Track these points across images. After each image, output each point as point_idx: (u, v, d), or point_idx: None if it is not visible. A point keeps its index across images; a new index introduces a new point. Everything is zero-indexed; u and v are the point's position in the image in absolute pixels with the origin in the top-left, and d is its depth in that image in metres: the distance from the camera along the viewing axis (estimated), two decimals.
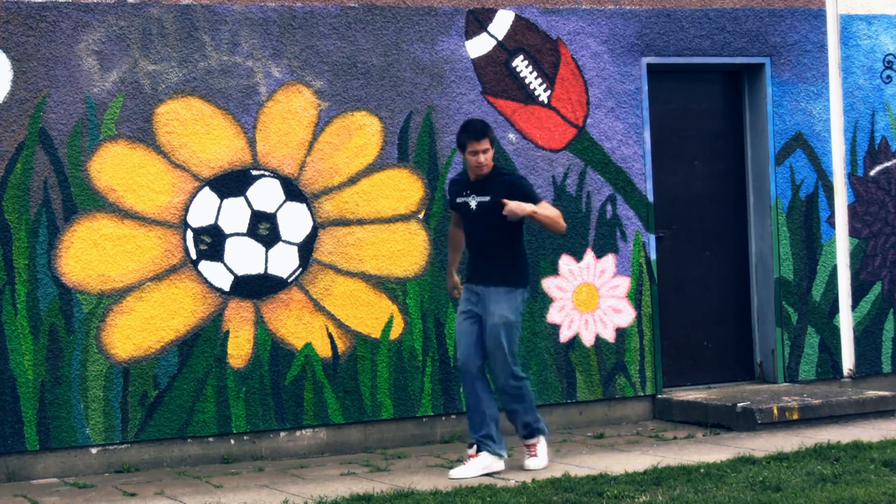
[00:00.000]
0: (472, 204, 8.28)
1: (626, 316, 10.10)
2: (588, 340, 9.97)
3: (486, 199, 8.23)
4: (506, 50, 9.77)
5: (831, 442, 8.61)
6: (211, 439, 9.02)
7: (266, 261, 9.13)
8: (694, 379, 10.61)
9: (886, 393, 10.13)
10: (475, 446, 8.30)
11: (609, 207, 10.05)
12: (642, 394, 10.16)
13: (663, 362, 10.38)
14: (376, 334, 9.38)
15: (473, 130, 8.19)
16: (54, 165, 8.64)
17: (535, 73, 9.84)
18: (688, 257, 10.59)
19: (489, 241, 8.29)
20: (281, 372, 9.14)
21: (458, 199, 8.37)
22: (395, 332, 9.43)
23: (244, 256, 9.07)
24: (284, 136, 9.17)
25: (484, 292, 8.28)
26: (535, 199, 8.21)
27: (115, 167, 8.79)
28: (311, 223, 9.23)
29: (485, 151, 8.17)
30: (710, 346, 10.71)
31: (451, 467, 8.45)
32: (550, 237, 9.78)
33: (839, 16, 10.77)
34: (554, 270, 9.86)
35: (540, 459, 8.36)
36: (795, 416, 9.58)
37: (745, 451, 8.55)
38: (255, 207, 9.11)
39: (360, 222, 9.37)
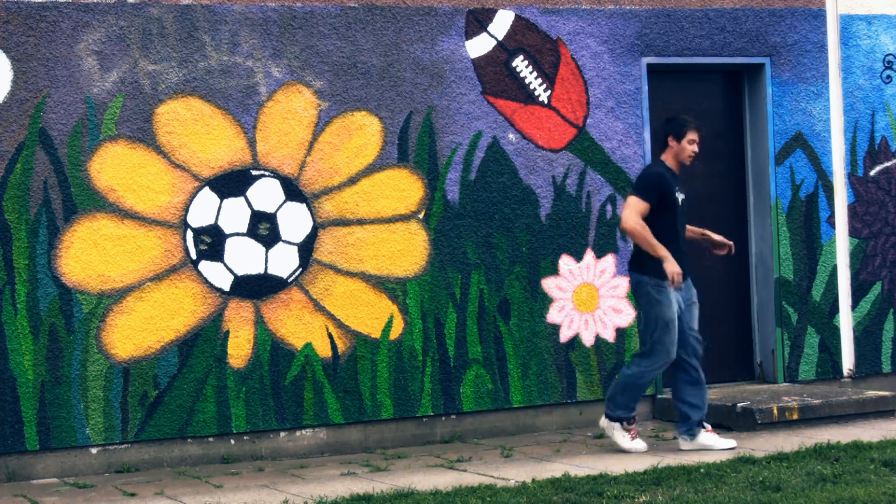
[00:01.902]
0: (680, 199, 8.77)
1: (626, 316, 10.10)
2: (588, 340, 9.97)
3: (684, 195, 8.82)
4: (506, 50, 9.77)
5: (831, 442, 8.61)
6: (211, 439, 9.02)
7: (266, 261, 9.13)
8: None
9: (886, 393, 10.12)
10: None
11: (609, 207, 10.05)
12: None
13: None
14: (376, 334, 9.38)
15: (696, 121, 8.77)
16: (54, 165, 8.64)
17: (535, 73, 9.84)
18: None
19: (683, 237, 8.84)
20: (281, 372, 9.14)
21: (677, 194, 8.69)
22: (395, 332, 9.43)
23: (244, 256, 9.07)
24: (284, 136, 9.17)
25: (688, 282, 8.87)
26: None
27: (115, 167, 8.79)
28: (311, 223, 9.23)
29: (699, 144, 8.81)
30: (710, 346, 10.70)
31: (451, 467, 8.45)
32: (550, 237, 9.79)
33: (839, 16, 10.77)
34: (554, 270, 9.86)
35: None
36: (795, 416, 9.58)
37: (745, 451, 8.55)
38: (255, 207, 9.11)
39: (360, 222, 9.37)
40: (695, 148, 8.79)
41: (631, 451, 8.74)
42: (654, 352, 8.67)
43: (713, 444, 8.69)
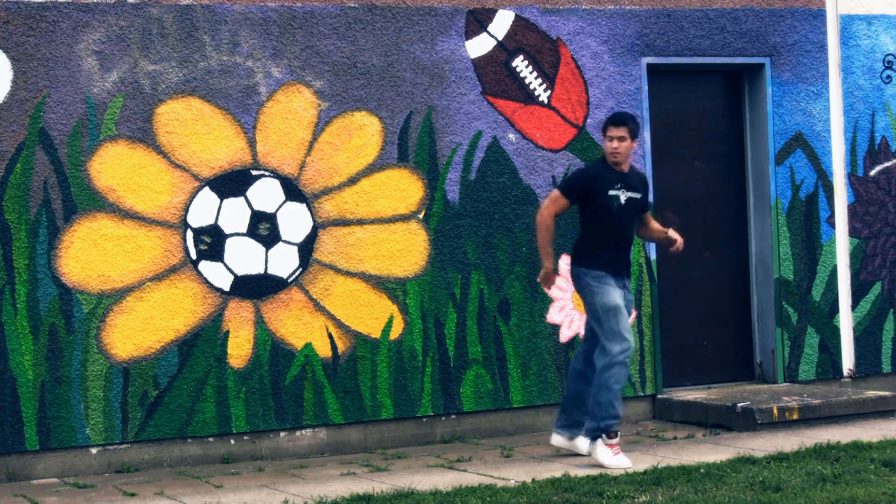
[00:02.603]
0: (623, 198, 8.47)
1: None
2: None
3: (638, 195, 8.54)
4: (506, 50, 9.77)
5: (831, 442, 8.61)
6: (211, 439, 9.02)
7: (266, 261, 9.13)
8: (694, 379, 10.61)
9: (886, 393, 10.12)
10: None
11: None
12: (642, 394, 10.16)
13: (663, 362, 10.38)
14: (376, 334, 9.38)
15: (614, 116, 8.52)
16: (54, 165, 8.64)
17: (535, 73, 9.84)
18: (688, 257, 10.57)
19: (630, 237, 8.60)
20: (281, 372, 9.14)
21: (611, 192, 8.41)
22: (395, 332, 9.43)
23: (244, 256, 9.07)
24: (284, 136, 9.17)
25: (627, 285, 8.59)
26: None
27: (115, 167, 8.79)
28: (311, 223, 9.23)
29: (620, 139, 8.40)
30: (710, 346, 10.70)
31: (451, 467, 8.45)
32: None
33: (839, 16, 10.77)
34: (554, 270, 9.84)
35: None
36: (795, 416, 9.58)
37: (745, 451, 8.55)
38: (255, 207, 9.11)
39: (360, 222, 9.37)
40: (614, 145, 8.39)
41: (613, 466, 8.23)
42: (608, 340, 8.35)
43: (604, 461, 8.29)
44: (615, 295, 8.39)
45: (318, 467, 8.70)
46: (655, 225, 8.91)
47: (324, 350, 9.24)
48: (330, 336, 9.26)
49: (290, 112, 9.18)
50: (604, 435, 8.33)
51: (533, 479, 7.81)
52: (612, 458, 8.26)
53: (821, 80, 10.73)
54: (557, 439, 8.74)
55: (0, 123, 8.56)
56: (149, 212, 8.85)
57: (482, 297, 9.65)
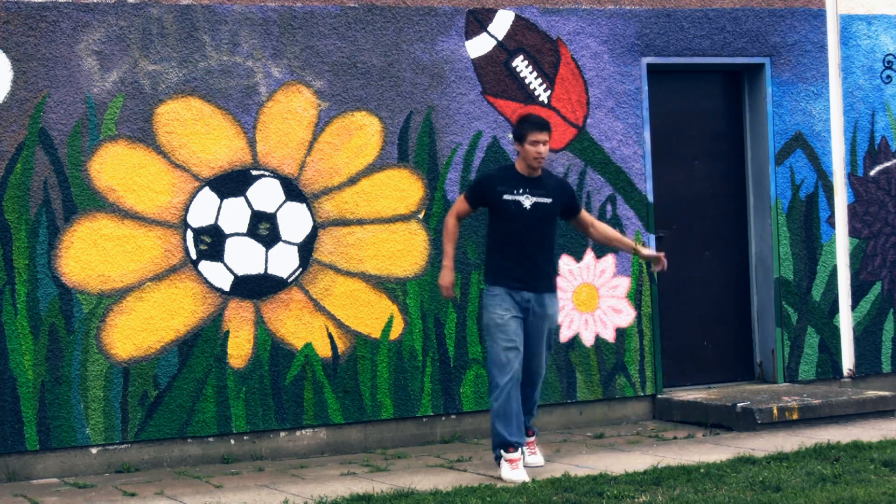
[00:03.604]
0: (527, 203, 8.11)
1: (626, 316, 10.10)
2: (588, 340, 9.97)
3: (548, 200, 8.15)
4: (506, 50, 9.77)
5: (831, 442, 8.61)
6: (211, 439, 9.02)
7: (266, 261, 9.13)
8: (694, 379, 10.61)
9: (886, 393, 10.13)
10: (520, 449, 8.07)
11: (609, 207, 10.05)
12: (642, 394, 10.16)
13: (663, 362, 10.38)
14: (376, 334, 9.38)
15: (537, 121, 8.13)
16: (54, 165, 8.64)
17: (535, 73, 9.84)
18: (688, 257, 10.59)
19: (541, 245, 8.13)
20: (281, 372, 9.14)
21: (507, 196, 8.10)
22: (395, 332, 9.43)
23: (244, 256, 9.07)
24: (284, 136, 9.17)
25: (539, 299, 8.14)
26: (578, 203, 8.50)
27: (115, 167, 8.79)
28: (311, 223, 9.23)
29: (545, 144, 8.10)
30: (710, 346, 10.71)
31: (451, 467, 8.45)
32: None
33: (839, 16, 10.77)
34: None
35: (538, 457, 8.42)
36: (795, 416, 9.58)
37: (745, 451, 8.55)
38: (255, 207, 9.11)
39: (360, 222, 9.37)
40: (538, 149, 8.06)
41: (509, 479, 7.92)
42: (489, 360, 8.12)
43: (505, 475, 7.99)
44: (505, 314, 8.02)
45: (318, 467, 8.70)
46: (607, 230, 8.60)
47: (324, 350, 9.24)
48: (330, 336, 9.26)
49: (290, 112, 9.19)
50: (502, 451, 8.03)
51: (533, 479, 7.81)
52: (510, 472, 7.97)
53: (821, 80, 10.73)
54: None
55: (0, 123, 8.56)
56: (149, 212, 8.85)
57: (482, 297, 9.65)
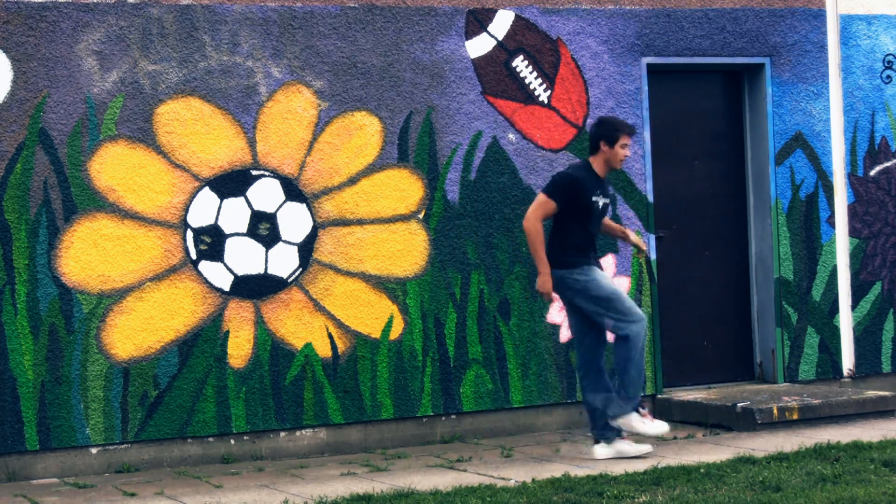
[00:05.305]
0: (601, 204, 8.57)
1: None
2: None
3: (608, 200, 8.66)
4: (506, 50, 9.77)
5: (831, 442, 8.61)
6: (211, 439, 9.02)
7: (266, 261, 9.13)
8: (694, 379, 10.61)
9: (886, 393, 10.12)
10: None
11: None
12: (642, 394, 10.14)
13: (663, 362, 10.38)
14: (376, 334, 9.38)
15: (630, 126, 8.56)
16: (54, 165, 8.64)
17: (535, 73, 9.84)
18: (688, 257, 10.59)
19: (597, 235, 8.72)
20: (281, 372, 9.14)
21: (595, 199, 8.49)
22: (395, 332, 9.43)
23: (244, 256, 9.07)
24: (284, 136, 9.17)
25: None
26: None
27: (115, 167, 8.79)
28: (311, 223, 9.23)
29: (630, 148, 8.69)
30: (710, 346, 10.71)
31: (451, 467, 8.45)
32: None
33: (839, 16, 10.77)
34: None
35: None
36: (795, 416, 9.58)
37: (745, 451, 8.55)
38: (255, 207, 9.12)
39: (360, 222, 9.37)
40: (627, 152, 8.54)
41: (655, 433, 8.63)
42: (624, 318, 8.44)
43: (627, 451, 8.56)
44: (606, 280, 8.54)
45: (318, 467, 8.70)
46: (608, 222, 9.00)
47: (324, 350, 9.24)
48: (330, 336, 9.26)
49: (290, 112, 9.19)
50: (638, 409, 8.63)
51: (533, 479, 7.81)
52: (652, 425, 8.63)
53: (821, 80, 10.73)
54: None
55: (0, 123, 8.56)
56: (149, 212, 8.86)
57: (482, 297, 9.66)
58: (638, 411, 8.57)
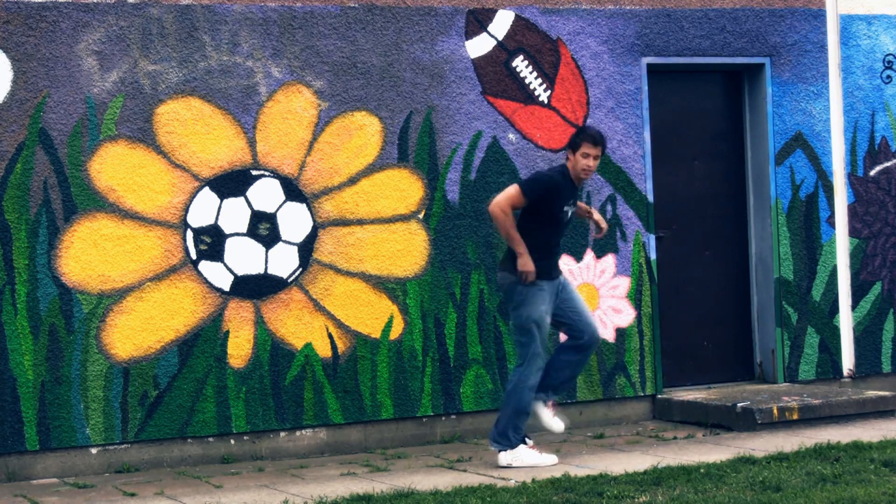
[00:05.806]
0: (569, 213, 8.48)
1: (626, 316, 10.10)
2: None
3: (575, 209, 8.54)
4: (506, 50, 9.77)
5: (831, 442, 8.61)
6: (211, 439, 9.02)
7: (266, 261, 9.13)
8: (694, 379, 10.61)
9: (886, 393, 10.13)
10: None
11: (609, 207, 10.05)
12: (642, 394, 10.16)
13: (663, 362, 10.38)
14: (376, 334, 9.38)
15: (593, 134, 8.35)
16: (54, 165, 8.65)
17: (535, 73, 9.84)
18: (688, 257, 10.59)
19: (558, 248, 8.57)
20: (281, 372, 9.14)
21: (566, 208, 8.38)
22: (395, 332, 9.43)
23: (244, 256, 9.07)
24: (284, 136, 9.17)
25: (563, 282, 8.56)
26: None
27: (115, 167, 8.79)
28: (311, 223, 9.23)
29: (595, 158, 8.34)
30: (710, 346, 10.71)
31: (451, 467, 8.45)
32: None
33: (839, 16, 10.77)
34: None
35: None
36: (795, 416, 9.58)
37: (745, 451, 8.55)
38: (255, 207, 9.12)
39: (360, 222, 9.37)
40: (588, 162, 8.28)
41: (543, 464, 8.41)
42: (523, 362, 8.44)
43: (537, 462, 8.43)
44: (547, 317, 8.42)
45: (318, 467, 8.70)
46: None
47: (324, 350, 9.24)
48: (330, 336, 9.26)
49: (290, 112, 9.19)
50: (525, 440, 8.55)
51: (533, 479, 7.81)
52: (539, 456, 8.46)
53: (821, 80, 10.73)
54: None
55: (0, 123, 8.56)
56: (149, 212, 8.86)
57: (482, 297, 9.66)
58: (525, 442, 8.51)
